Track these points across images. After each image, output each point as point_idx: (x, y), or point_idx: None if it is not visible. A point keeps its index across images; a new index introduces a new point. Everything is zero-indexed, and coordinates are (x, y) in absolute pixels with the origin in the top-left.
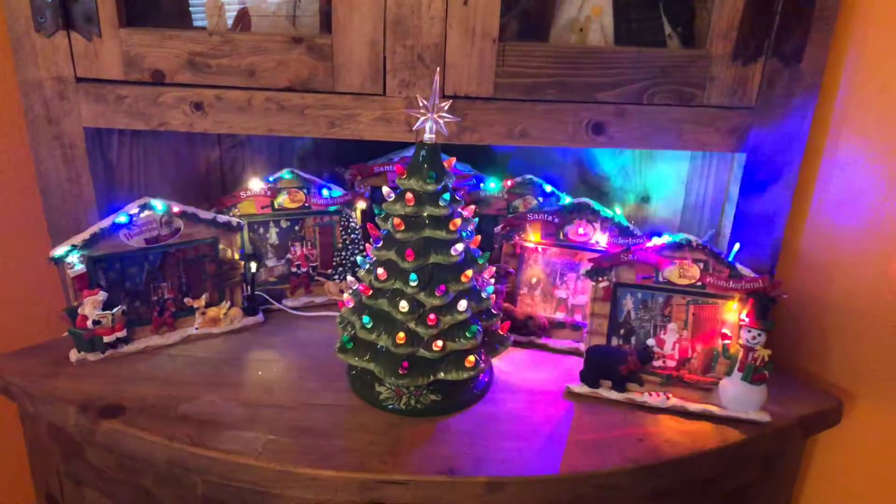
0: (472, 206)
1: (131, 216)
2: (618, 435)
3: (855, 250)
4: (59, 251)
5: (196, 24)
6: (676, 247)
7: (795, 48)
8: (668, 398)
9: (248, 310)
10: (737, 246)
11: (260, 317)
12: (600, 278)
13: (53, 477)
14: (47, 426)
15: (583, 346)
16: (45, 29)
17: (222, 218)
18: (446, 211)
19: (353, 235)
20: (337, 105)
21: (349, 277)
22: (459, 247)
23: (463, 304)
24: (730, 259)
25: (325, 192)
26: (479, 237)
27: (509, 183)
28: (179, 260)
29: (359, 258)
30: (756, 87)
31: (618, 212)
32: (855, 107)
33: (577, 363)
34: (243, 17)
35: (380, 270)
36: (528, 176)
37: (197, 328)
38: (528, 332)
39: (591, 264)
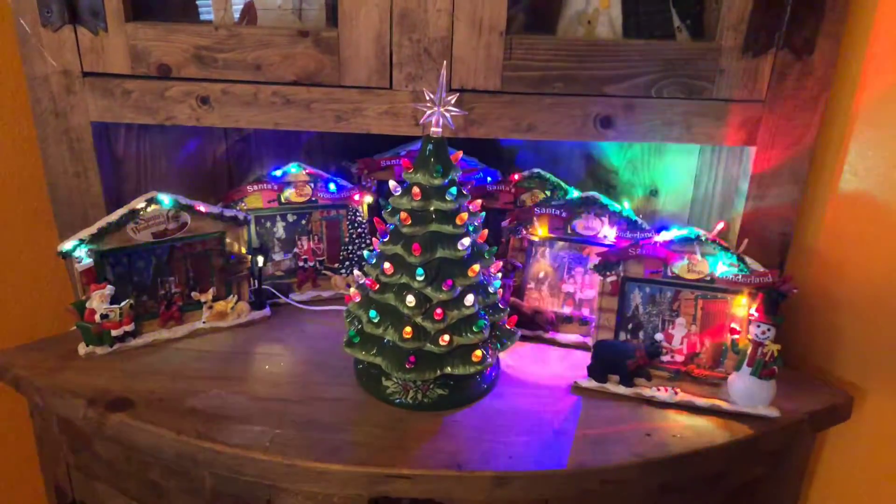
0: (479, 201)
1: (138, 210)
2: (625, 430)
3: (866, 245)
4: (66, 245)
5: (203, 18)
6: (685, 241)
7: (806, 40)
8: (676, 393)
9: (255, 304)
10: (746, 240)
11: (267, 311)
12: (608, 273)
13: (63, 469)
14: (56, 419)
15: (590, 341)
16: (51, 23)
17: (229, 212)
18: (453, 205)
19: (360, 230)
20: (343, 99)
21: (356, 272)
22: (466, 241)
23: (470, 299)
24: (739, 254)
25: (331, 186)
26: (486, 231)
27: (516, 177)
28: (186, 254)
29: (365, 252)
30: (766, 80)
31: (626, 206)
32: (867, 99)
33: (585, 358)
34: (249, 11)
35: (386, 265)
36: (536, 170)
37: (204, 322)
38: (535, 326)
39: (599, 259)
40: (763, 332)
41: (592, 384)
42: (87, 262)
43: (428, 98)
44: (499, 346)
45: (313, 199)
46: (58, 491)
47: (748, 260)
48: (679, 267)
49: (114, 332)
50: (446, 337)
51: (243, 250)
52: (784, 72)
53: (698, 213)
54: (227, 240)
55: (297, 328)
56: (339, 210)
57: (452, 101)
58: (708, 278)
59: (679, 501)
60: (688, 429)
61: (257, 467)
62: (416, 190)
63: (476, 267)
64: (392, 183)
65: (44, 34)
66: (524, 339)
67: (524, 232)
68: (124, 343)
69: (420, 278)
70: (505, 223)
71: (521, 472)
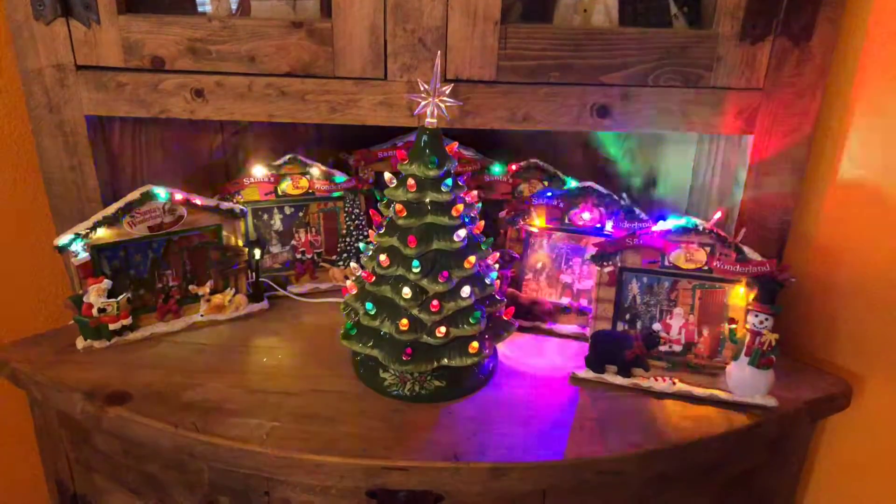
0: (476, 191)
1: (134, 204)
2: (623, 420)
3: (864, 233)
4: (63, 239)
5: (201, 9)
6: (683, 230)
7: (805, 26)
8: (673, 383)
9: (252, 296)
10: (744, 229)
11: (265, 303)
12: (605, 263)
13: (63, 462)
14: (56, 413)
15: (588, 331)
16: (43, 16)
17: (225, 205)
18: (448, 197)
19: (357, 221)
20: (338, 90)
21: (353, 264)
22: (462, 233)
23: (466, 290)
24: (737, 243)
25: (329, 177)
26: (482, 222)
27: (514, 167)
28: (183, 247)
29: (361, 245)
30: (764, 67)
31: (624, 195)
32: (865, 86)
33: (583, 348)
34: (244, 2)
35: (382, 257)
36: (533, 160)
37: (202, 315)
38: (533, 317)
39: (597, 249)
40: (761, 322)
41: (590, 375)
42: (84, 256)
43: (422, 88)
44: (496, 337)
45: (310, 191)
46: (58, 484)
47: (746, 249)
48: (676, 257)
49: (111, 326)
50: (443, 329)
51: (240, 243)
52: (782, 59)
53: (696, 203)
54: (224, 233)
55: (295, 321)
56: (337, 202)
57: (447, 92)
58: (706, 268)
59: (677, 491)
60: (686, 419)
61: (255, 460)
62: (411, 181)
63: (472, 258)
64: (387, 174)
65: (36, 27)
66: (522, 329)
67: (521, 222)
68: (122, 337)
69: (416, 270)
70: (502, 214)
71: (518, 462)
